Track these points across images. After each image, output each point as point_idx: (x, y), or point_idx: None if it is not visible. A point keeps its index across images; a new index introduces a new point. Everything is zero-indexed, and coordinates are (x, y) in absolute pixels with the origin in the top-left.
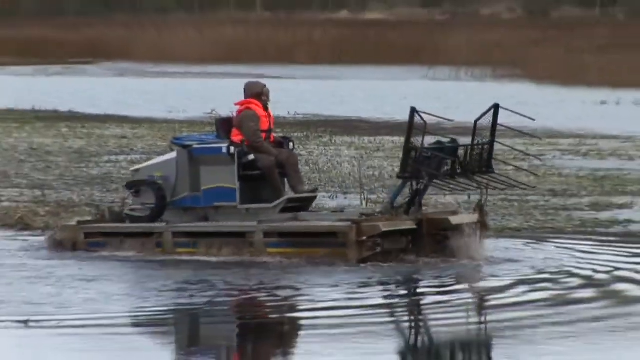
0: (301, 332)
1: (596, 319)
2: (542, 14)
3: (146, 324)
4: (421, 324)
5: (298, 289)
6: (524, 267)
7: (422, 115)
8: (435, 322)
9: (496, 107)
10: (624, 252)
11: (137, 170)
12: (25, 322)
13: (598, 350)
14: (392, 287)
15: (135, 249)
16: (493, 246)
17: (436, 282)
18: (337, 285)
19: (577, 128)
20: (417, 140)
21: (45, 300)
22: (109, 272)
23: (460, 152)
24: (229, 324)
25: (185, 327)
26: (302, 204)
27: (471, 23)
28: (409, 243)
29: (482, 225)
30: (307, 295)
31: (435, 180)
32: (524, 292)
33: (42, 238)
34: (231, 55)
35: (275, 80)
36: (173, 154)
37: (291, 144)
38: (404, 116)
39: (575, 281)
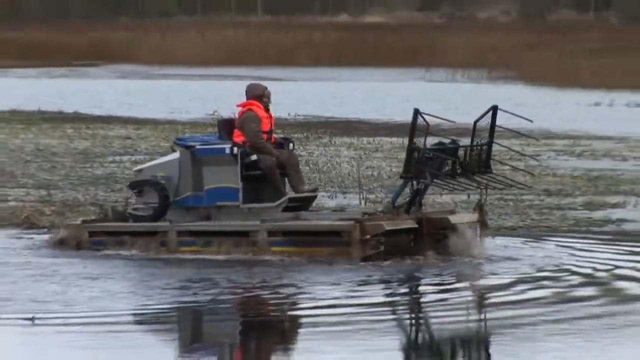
0: (302, 330)
1: (596, 317)
2: (537, 18)
3: (150, 321)
4: (422, 321)
5: (300, 287)
6: (524, 265)
7: (425, 116)
8: (436, 319)
9: (494, 109)
10: (622, 250)
11: (140, 170)
12: (31, 319)
13: (598, 348)
14: (393, 285)
15: (139, 248)
16: (492, 245)
17: (437, 280)
18: (338, 283)
19: (571, 129)
20: (419, 141)
21: (51, 298)
22: (113, 270)
23: (460, 152)
24: (232, 321)
25: (188, 324)
26: (302, 204)
27: (468, 26)
28: (410, 242)
29: (482, 224)
30: (309, 293)
31: (436, 180)
32: (525, 290)
33: (47, 237)
34: (233, 57)
35: (276, 82)
36: (176, 155)
37: (291, 145)
38: (403, 117)
39: (576, 279)
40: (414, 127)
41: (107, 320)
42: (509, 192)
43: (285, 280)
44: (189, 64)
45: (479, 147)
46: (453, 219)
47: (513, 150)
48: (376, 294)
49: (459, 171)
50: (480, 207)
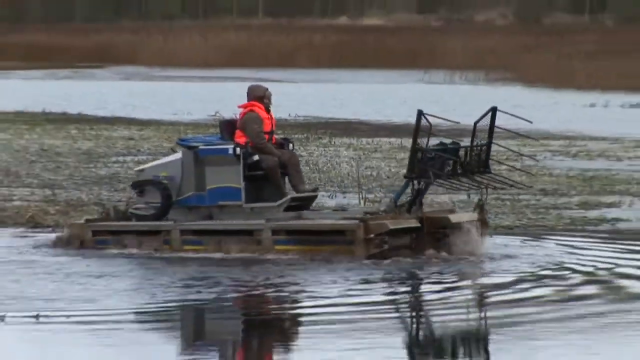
0: (304, 328)
1: (597, 315)
2: (534, 21)
3: (154, 319)
4: (422, 320)
5: (302, 285)
6: (525, 263)
7: (428, 117)
8: (437, 318)
9: (494, 110)
10: (621, 249)
11: (141, 171)
12: (36, 317)
13: (598, 346)
14: (394, 283)
15: (143, 247)
16: (491, 243)
17: (437, 279)
18: (340, 282)
19: (567, 130)
20: (422, 142)
21: (55, 295)
22: (116, 268)
23: (460, 153)
24: (235, 319)
25: (192, 322)
26: (303, 203)
27: (466, 29)
28: (412, 240)
29: (483, 223)
30: (311, 291)
31: (439, 180)
32: (526, 289)
33: (51, 236)
34: (234, 59)
35: (276, 84)
36: (178, 155)
37: (291, 145)
38: (402, 118)
39: (577, 277)
40: (418, 128)
41: (110, 318)
42: (506, 192)
43: (287, 279)
44: (191, 65)
45: (478, 148)
46: (453, 218)
47: (512, 151)
48: (377, 292)
49: (459, 171)
50: (480, 207)
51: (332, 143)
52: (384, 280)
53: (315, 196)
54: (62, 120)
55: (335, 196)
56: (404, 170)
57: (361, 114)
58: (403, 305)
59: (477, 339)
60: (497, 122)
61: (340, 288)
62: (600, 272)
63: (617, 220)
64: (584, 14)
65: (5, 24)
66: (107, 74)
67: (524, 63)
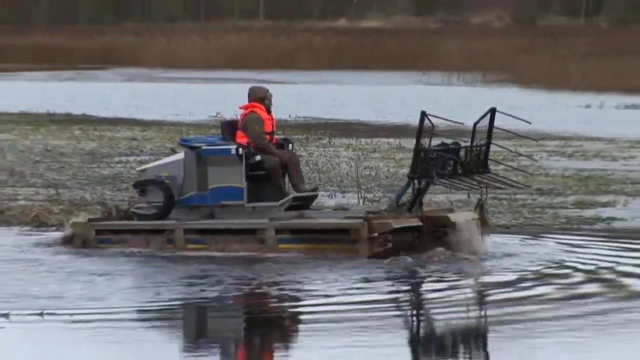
0: (304, 326)
1: (598, 313)
2: (529, 23)
3: (157, 317)
4: (422, 318)
5: (304, 284)
6: (525, 262)
7: (431, 118)
8: (437, 316)
9: (492, 111)
10: (619, 247)
11: (143, 170)
12: (40, 314)
13: (598, 344)
14: (395, 282)
15: (146, 246)
16: (491, 242)
17: (438, 277)
18: (341, 280)
19: (562, 130)
20: (424, 142)
21: (58, 294)
22: (119, 267)
23: (461, 153)
24: (237, 317)
25: (194, 320)
26: (303, 203)
27: (463, 31)
28: (414, 239)
29: (483, 222)
30: (312, 289)
31: (441, 180)
32: (526, 287)
33: (55, 234)
34: (235, 61)
35: (277, 85)
36: (180, 155)
37: (290, 145)
38: (400, 119)
39: (578, 275)
40: (421, 129)
41: (114, 316)
42: (503, 192)
43: (289, 277)
44: (193, 67)
45: (478, 148)
46: (453, 217)
47: (512, 152)
48: (378, 290)
49: (459, 171)
50: (481, 206)
51: (332, 143)
52: (385, 278)
53: (316, 196)
54: (66, 121)
55: (335, 196)
56: (403, 170)
57: (360, 114)
58: (404, 304)
59: (477, 338)
60: (496, 123)
61: (341, 286)
62: (600, 270)
63: (612, 219)
64: (579, 16)
65: (10, 26)
66: (110, 76)
67: (520, 65)
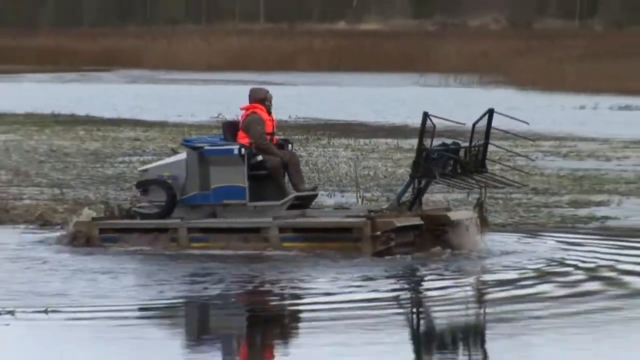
0: (305, 324)
1: (602, 311)
2: (525, 26)
3: (160, 315)
4: (423, 316)
5: (306, 282)
6: (524, 260)
7: (432, 119)
8: (436, 314)
9: (491, 112)
10: (616, 245)
11: (145, 171)
12: (45, 311)
13: (601, 341)
14: (396, 279)
15: (150, 244)
16: (489, 241)
17: (438, 276)
18: (342, 278)
19: (557, 131)
20: (426, 142)
21: (63, 291)
22: (123, 265)
23: (460, 153)
24: (239, 315)
25: (197, 317)
26: (303, 202)
27: (460, 34)
28: (416, 237)
29: (482, 221)
30: (314, 288)
31: (442, 179)
32: (526, 285)
33: (60, 233)
34: (236, 63)
35: (277, 87)
36: (182, 155)
37: (290, 146)
38: (398, 120)
39: (577, 274)
40: (424, 129)
41: (118, 314)
42: (499, 191)
43: (291, 275)
44: (194, 69)
45: (476, 148)
46: (452, 215)
47: (510, 152)
48: (379, 288)
49: (459, 170)
50: (480, 205)
51: (331, 144)
52: (385, 276)
53: (316, 195)
54: (71, 121)
55: (334, 195)
56: (401, 170)
57: (359, 115)
58: (404, 302)
59: (477, 335)
60: (493, 124)
61: (342, 284)
62: (600, 268)
63: (606, 218)
64: (574, 19)
65: (16, 28)
66: (113, 77)
67: (516, 66)
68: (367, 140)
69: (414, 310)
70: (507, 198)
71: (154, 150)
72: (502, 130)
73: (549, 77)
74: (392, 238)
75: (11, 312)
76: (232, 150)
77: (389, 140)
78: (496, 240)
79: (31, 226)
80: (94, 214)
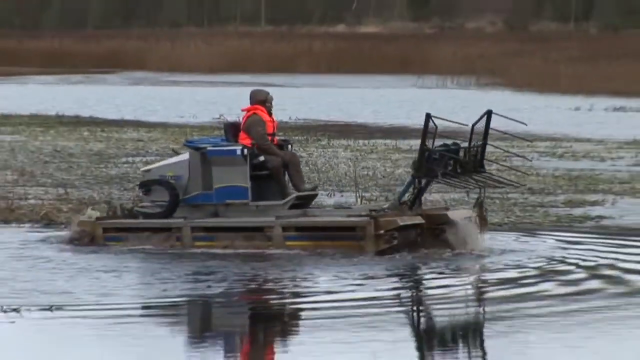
0: (307, 322)
1: (604, 309)
2: (521, 28)
3: (163, 312)
4: (424, 314)
5: (307, 280)
6: (524, 258)
7: (434, 120)
8: (437, 312)
9: (489, 113)
10: (613, 243)
11: (147, 171)
12: (50, 309)
13: (599, 340)
14: (396, 278)
15: (154, 243)
16: (489, 239)
17: (439, 274)
18: (343, 277)
19: (553, 132)
20: (428, 143)
21: (67, 289)
22: (127, 263)
23: (460, 153)
24: (241, 313)
25: (199, 315)
26: (303, 201)
27: (457, 36)
28: (417, 236)
29: (482, 220)
30: (315, 286)
31: (444, 179)
32: (529, 283)
33: (64, 232)
34: (238, 65)
35: (278, 88)
36: (184, 156)
37: (289, 146)
38: (396, 121)
39: (578, 273)
40: (426, 130)
41: (122, 312)
42: (495, 191)
43: (292, 274)
44: (196, 71)
45: (475, 149)
46: (451, 215)
47: (509, 152)
48: (380, 287)
49: (459, 170)
50: (480, 204)
51: (331, 144)
52: (386, 275)
53: (316, 195)
54: (75, 123)
55: (334, 195)
56: (399, 170)
57: (358, 116)
58: (405, 300)
59: (478, 334)
60: (491, 125)
61: (343, 282)
62: (599, 267)
63: (601, 217)
64: (570, 22)
65: (21, 31)
66: (117, 79)
67: (512, 68)
68: (366, 141)
69: (415, 308)
70: (503, 198)
71: (156, 151)
72: (500, 132)
73: (544, 79)
74: (395, 237)
75: (16, 310)
76: (235, 151)
77: (388, 141)
78: (495, 239)
79: (36, 225)
80: (97, 214)
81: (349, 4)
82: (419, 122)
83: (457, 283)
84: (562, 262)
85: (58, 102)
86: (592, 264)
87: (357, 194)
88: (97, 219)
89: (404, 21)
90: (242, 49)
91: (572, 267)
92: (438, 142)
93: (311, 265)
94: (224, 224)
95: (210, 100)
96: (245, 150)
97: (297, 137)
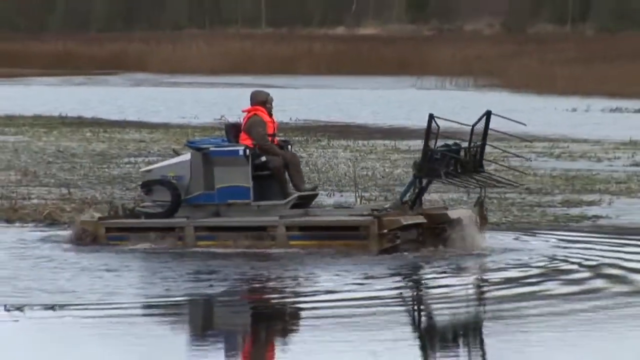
0: (308, 321)
1: (604, 308)
2: (518, 30)
3: (166, 312)
4: (425, 314)
5: (308, 280)
6: (525, 257)
7: (435, 121)
8: (439, 312)
9: (488, 114)
10: (612, 242)
11: (148, 171)
12: (53, 308)
13: (600, 340)
14: (398, 277)
15: (156, 242)
16: (489, 239)
17: (439, 273)
18: (344, 277)
19: (550, 132)
20: (431, 143)
21: (70, 289)
22: (129, 263)
23: (461, 153)
24: (243, 312)
25: (201, 314)
26: (304, 201)
27: (455, 38)
28: (419, 235)
29: (482, 219)
30: (316, 285)
31: (447, 178)
32: (532, 283)
33: (67, 232)
34: (238, 66)
35: (278, 89)
36: (186, 156)
37: (289, 147)
38: (395, 122)
39: (582, 271)
40: (429, 131)
41: (124, 311)
42: (493, 190)
43: (294, 273)
44: (198, 72)
45: (475, 149)
46: (451, 214)
47: (508, 153)
48: (381, 286)
49: (459, 170)
50: (480, 203)
51: (330, 145)
52: (387, 275)
53: (316, 194)
54: (78, 123)
55: (333, 195)
56: (398, 171)
57: (358, 117)
58: (406, 299)
59: (479, 333)
60: (491, 125)
61: (345, 282)
62: (604, 266)
63: (598, 217)
64: (566, 24)
65: (25, 33)
66: (119, 81)
67: (509, 70)
68: (365, 142)
69: (416, 308)
70: (501, 197)
71: (158, 152)
72: (500, 132)
73: (541, 80)
74: (399, 236)
75: (20, 309)
76: (237, 151)
77: (387, 142)
78: (495, 238)
79: (39, 225)
80: (99, 215)
81: (349, 6)
82: (418, 123)
83: (459, 282)
84: (564, 261)
85: (61, 103)
86: (594, 263)
87: (357, 194)
88: (100, 218)
89: (402, 23)
90: (242, 51)
91: (574, 267)
92: (439, 142)
93: (312, 265)
94: (228, 224)
95: (211, 102)
96: (248, 151)
97: (297, 138)
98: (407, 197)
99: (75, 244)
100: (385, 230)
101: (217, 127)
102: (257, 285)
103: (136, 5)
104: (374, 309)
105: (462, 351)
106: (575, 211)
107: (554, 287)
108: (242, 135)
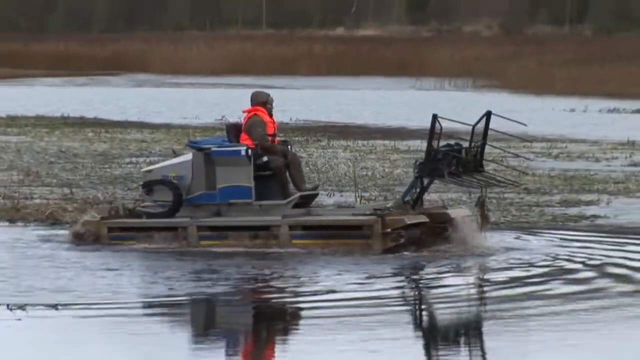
0: (310, 320)
1: (607, 308)
2: (517, 31)
3: (168, 311)
4: (426, 313)
5: (310, 279)
6: (525, 257)
7: (438, 121)
8: (440, 311)
9: (488, 114)
10: (611, 242)
11: (149, 171)
12: (55, 307)
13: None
14: (399, 277)
15: (159, 242)
16: (488, 238)
17: (442, 273)
18: (346, 276)
19: (548, 133)
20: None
21: (72, 287)
22: (131, 262)
23: (462, 153)
24: (245, 312)
25: (203, 313)
26: (304, 201)
27: (454, 39)
28: (422, 234)
29: (484, 218)
30: (318, 285)
31: (450, 178)
32: (534, 282)
33: (69, 232)
34: (239, 67)
35: (278, 90)
36: (187, 156)
37: (289, 147)
38: (395, 122)
39: (583, 270)
40: (433, 130)
41: (127, 311)
42: (492, 190)
43: (296, 273)
44: (199, 73)
45: (475, 149)
46: (452, 213)
47: (509, 152)
48: (383, 286)
49: (460, 170)
50: (481, 203)
51: (330, 145)
52: (389, 274)
53: (317, 194)
54: (80, 124)
55: (333, 195)
56: (398, 171)
57: (357, 118)
58: (408, 299)
59: (480, 333)
60: (491, 125)
61: (346, 282)
62: (607, 266)
63: (596, 217)
64: (564, 25)
65: (27, 34)
66: (121, 81)
67: (508, 71)
68: (365, 142)
69: (418, 307)
70: (500, 197)
71: (159, 152)
72: (501, 132)
73: (540, 81)
74: (402, 235)
75: (22, 308)
76: (239, 151)
77: (386, 142)
78: (495, 238)
79: (42, 225)
80: (100, 215)
81: (349, 7)
82: (417, 123)
83: (461, 282)
84: (567, 260)
85: (63, 103)
86: (597, 262)
87: (357, 194)
88: (102, 218)
89: (402, 25)
90: (243, 52)
91: (577, 266)
92: (441, 142)
93: (314, 264)
94: (230, 223)
95: (212, 102)
96: (250, 151)
97: (297, 138)
98: (408, 197)
99: (77, 244)
100: (389, 230)
101: (218, 127)
102: (259, 284)
103: (138, 6)
104: (375, 309)
105: (463, 351)
106: (573, 211)
107: (557, 286)
108: (243, 136)
